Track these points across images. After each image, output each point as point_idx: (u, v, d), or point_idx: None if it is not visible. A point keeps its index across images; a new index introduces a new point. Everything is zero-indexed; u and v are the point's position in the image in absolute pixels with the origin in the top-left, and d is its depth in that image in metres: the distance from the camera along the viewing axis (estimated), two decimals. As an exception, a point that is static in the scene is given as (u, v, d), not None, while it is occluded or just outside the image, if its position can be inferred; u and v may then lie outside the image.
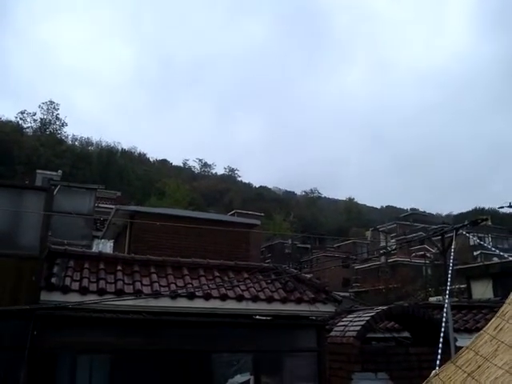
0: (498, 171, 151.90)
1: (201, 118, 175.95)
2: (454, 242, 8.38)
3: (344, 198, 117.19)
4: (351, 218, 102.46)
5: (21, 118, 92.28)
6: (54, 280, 9.06)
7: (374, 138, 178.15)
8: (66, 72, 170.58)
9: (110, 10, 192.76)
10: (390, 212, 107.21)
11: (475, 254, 52.10)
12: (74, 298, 9.01)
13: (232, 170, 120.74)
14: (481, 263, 26.49)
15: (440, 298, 19.96)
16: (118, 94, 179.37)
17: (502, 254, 7.61)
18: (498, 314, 3.39)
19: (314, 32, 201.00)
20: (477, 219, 12.97)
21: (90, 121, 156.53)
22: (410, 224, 73.29)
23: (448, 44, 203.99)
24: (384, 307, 11.54)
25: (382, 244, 60.09)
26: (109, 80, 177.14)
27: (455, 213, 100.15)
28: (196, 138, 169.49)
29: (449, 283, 6.64)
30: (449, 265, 6.64)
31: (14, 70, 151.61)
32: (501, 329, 3.13)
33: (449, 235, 14.57)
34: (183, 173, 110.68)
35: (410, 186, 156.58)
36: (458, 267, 21.12)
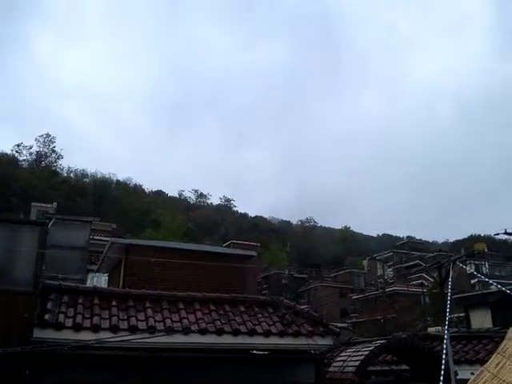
0: (497, 198, 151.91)
1: (196, 148, 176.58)
2: (451, 275, 8.34)
3: (340, 227, 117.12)
4: (347, 247, 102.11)
5: (17, 151, 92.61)
6: (47, 316, 8.92)
7: (371, 166, 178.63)
8: (65, 97, 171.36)
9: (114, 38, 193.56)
10: (387, 240, 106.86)
11: (473, 281, 51.84)
12: (67, 335, 8.85)
13: (228, 201, 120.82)
14: (479, 292, 26.32)
15: (439, 328, 19.73)
16: (116, 125, 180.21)
17: (496, 284, 7.56)
18: (498, 351, 3.35)
19: (330, 54, 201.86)
20: (473, 251, 12.99)
21: (86, 151, 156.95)
22: (407, 252, 72.99)
23: (464, 62, 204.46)
24: (382, 340, 11.39)
25: (379, 273, 59.83)
26: (107, 108, 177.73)
27: (451, 240, 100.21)
28: (192, 168, 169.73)
29: (448, 317, 6.58)
30: (447, 297, 6.59)
31: (15, 97, 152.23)
32: (502, 367, 3.08)
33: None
34: (179, 203, 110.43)
35: (406, 214, 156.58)
36: (456, 296, 20.97)
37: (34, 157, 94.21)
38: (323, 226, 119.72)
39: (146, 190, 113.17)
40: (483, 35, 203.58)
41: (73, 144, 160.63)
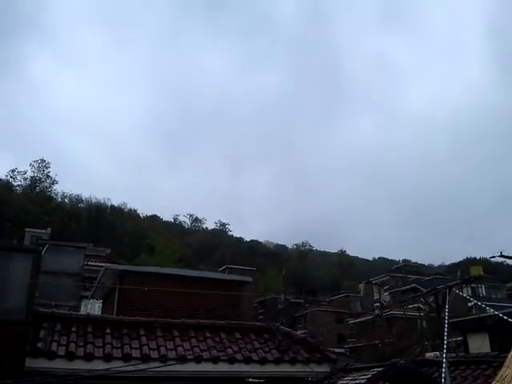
0: (492, 221, 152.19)
1: (192, 172, 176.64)
2: (447, 301, 8.30)
3: (336, 251, 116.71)
4: (343, 271, 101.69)
5: (11, 177, 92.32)
6: (39, 345, 8.79)
7: (368, 189, 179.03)
8: (61, 122, 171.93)
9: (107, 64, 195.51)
10: (383, 263, 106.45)
11: (470, 304, 51.54)
12: (60, 365, 8.70)
13: (223, 225, 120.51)
14: (476, 315, 26.14)
15: (437, 353, 19.51)
16: (112, 150, 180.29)
17: (492, 310, 7.51)
18: (497, 379, 3.31)
19: (328, 82, 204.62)
20: (469, 277, 12.96)
21: (81, 176, 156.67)
22: (403, 276, 72.74)
23: (461, 92, 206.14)
24: (380, 368, 11.24)
25: (376, 297, 59.45)
26: (102, 133, 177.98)
27: (447, 263, 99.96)
28: (187, 192, 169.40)
29: (445, 343, 6.52)
30: (444, 323, 6.55)
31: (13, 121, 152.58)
32: (501, 395, 3.05)
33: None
34: (174, 228, 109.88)
35: (401, 237, 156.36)
36: (453, 320, 20.81)
37: (28, 182, 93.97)
38: (319, 249, 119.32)
39: (141, 215, 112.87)
40: (479, 65, 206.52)
41: (68, 169, 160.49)
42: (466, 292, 42.30)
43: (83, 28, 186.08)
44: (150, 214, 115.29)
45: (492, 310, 7.97)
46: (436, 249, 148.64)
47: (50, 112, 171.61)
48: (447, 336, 7.21)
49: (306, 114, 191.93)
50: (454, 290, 8.86)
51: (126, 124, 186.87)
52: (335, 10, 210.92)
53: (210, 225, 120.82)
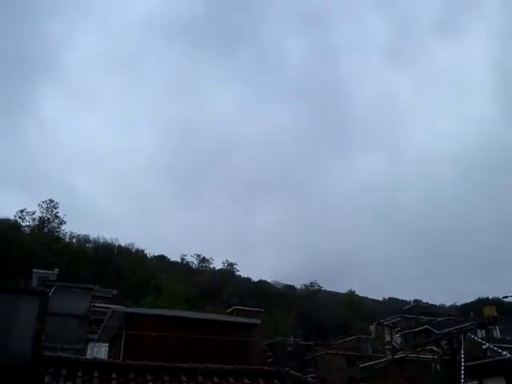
0: (503, 260, 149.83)
1: (199, 212, 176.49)
2: (462, 347, 8.06)
3: (345, 291, 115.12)
4: (353, 312, 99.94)
5: (20, 217, 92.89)
6: (44, 391, 8.58)
7: (377, 228, 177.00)
8: (70, 161, 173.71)
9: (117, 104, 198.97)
10: (393, 304, 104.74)
11: (484, 347, 50.20)
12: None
13: (230, 265, 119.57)
14: (491, 358, 25.46)
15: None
16: (120, 190, 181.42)
17: (505, 353, 7.29)
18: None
19: (336, 120, 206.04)
20: (484, 321, 12.64)
21: (88, 216, 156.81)
22: (415, 317, 71.23)
23: (470, 129, 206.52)
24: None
25: (387, 339, 58.09)
26: (112, 173, 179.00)
27: (459, 303, 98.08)
28: (194, 232, 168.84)
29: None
30: (460, 368, 6.33)
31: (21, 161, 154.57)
32: None
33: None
34: (181, 268, 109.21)
35: (412, 277, 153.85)
36: (468, 364, 20.21)
37: (36, 222, 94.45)
38: (328, 290, 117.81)
39: (149, 255, 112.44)
40: (487, 101, 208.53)
41: (77, 209, 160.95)
42: (479, 334, 41.35)
43: (97, 70, 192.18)
44: (157, 254, 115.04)
45: (507, 354, 7.74)
46: (447, 288, 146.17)
47: (60, 152, 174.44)
48: (463, 382, 6.97)
49: (315, 153, 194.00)
50: (469, 334, 8.63)
51: (136, 164, 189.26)
52: (342, 50, 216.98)
53: (217, 265, 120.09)
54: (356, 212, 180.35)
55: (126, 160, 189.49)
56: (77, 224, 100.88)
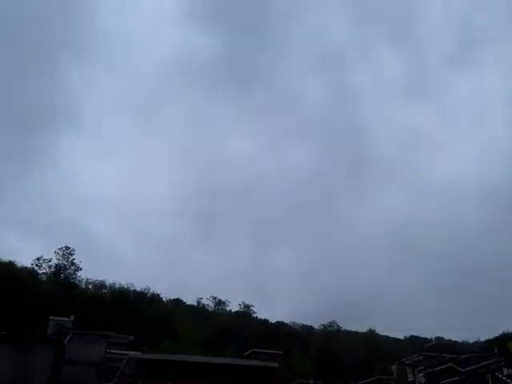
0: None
1: (216, 252, 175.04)
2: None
3: (365, 330, 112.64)
4: (374, 351, 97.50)
5: (36, 265, 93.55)
6: None
7: (396, 266, 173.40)
8: (86, 206, 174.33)
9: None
10: (414, 342, 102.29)
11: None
12: None
13: (247, 307, 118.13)
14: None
15: None
16: (137, 232, 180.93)
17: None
18: None
19: (354, 155, 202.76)
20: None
21: (105, 260, 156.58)
22: (437, 355, 69.40)
23: (494, 160, 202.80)
24: None
25: (410, 379, 56.53)
26: (127, 216, 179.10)
27: (483, 339, 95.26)
28: (210, 273, 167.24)
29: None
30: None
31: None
32: None
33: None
34: (197, 311, 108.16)
35: (434, 313, 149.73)
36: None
37: (53, 270, 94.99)
38: (347, 329, 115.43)
39: (164, 299, 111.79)
40: (509, 129, 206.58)
41: (92, 253, 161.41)
42: (505, 371, 40.05)
43: (116, 116, 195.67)
44: (173, 297, 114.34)
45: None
46: (470, 324, 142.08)
47: (78, 198, 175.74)
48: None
49: (335, 190, 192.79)
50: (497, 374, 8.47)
51: (153, 207, 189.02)
52: (360, 87, 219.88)
53: (233, 307, 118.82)
54: (376, 248, 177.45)
55: (144, 204, 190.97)
56: (93, 269, 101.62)
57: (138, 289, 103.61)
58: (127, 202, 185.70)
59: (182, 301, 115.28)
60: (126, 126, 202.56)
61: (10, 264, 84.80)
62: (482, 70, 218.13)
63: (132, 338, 48.40)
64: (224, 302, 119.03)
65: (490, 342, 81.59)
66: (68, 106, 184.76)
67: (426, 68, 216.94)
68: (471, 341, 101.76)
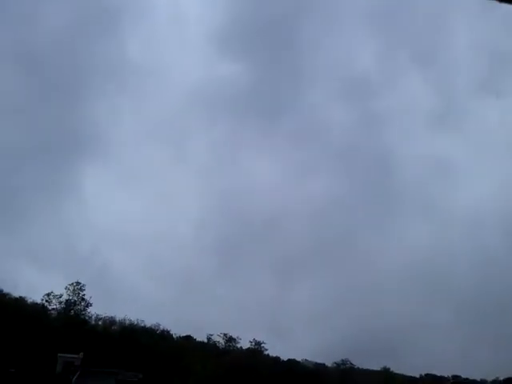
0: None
1: (231, 288, 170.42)
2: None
3: (379, 368, 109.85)
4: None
5: (47, 300, 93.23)
6: None
7: (415, 298, 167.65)
8: (105, 239, 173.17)
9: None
10: (430, 380, 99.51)
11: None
12: None
13: (258, 344, 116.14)
14: None
15: None
16: (147, 268, 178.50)
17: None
18: None
19: (380, 183, 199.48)
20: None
21: (115, 296, 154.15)
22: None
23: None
24: None
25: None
26: (140, 251, 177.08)
27: (502, 377, 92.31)
28: (224, 309, 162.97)
29: None
30: None
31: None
32: None
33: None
34: (208, 348, 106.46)
35: (450, 350, 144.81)
36: None
37: (63, 305, 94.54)
38: (360, 367, 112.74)
39: (174, 336, 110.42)
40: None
41: (104, 288, 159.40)
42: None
43: (140, 145, 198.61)
44: (183, 334, 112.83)
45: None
46: (488, 361, 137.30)
47: (96, 229, 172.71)
48: None
49: (358, 220, 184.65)
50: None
51: (171, 238, 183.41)
52: (387, 112, 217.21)
53: (244, 344, 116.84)
54: (395, 283, 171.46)
55: (162, 235, 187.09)
56: (104, 304, 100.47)
57: (148, 325, 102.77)
58: (146, 234, 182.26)
59: (192, 337, 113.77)
60: (151, 155, 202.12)
61: (21, 300, 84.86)
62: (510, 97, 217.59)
63: (141, 375, 47.55)
64: (235, 339, 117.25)
65: (509, 381, 79.24)
66: (94, 136, 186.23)
67: (453, 94, 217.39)
68: (490, 379, 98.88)
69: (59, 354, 45.78)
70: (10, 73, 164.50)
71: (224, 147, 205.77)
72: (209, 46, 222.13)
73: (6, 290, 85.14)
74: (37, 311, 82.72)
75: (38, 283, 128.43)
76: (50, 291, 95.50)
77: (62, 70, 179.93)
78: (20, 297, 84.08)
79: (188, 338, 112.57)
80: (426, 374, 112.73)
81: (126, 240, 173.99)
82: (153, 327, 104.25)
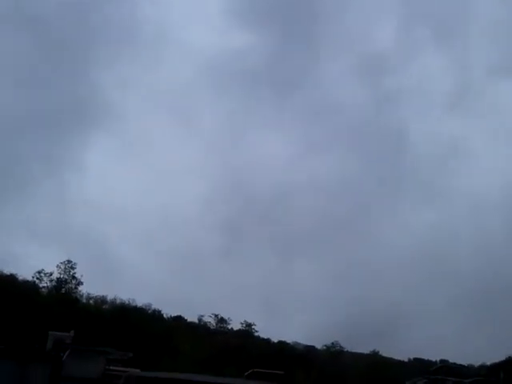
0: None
1: (228, 268, 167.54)
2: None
3: (368, 352, 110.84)
4: (377, 374, 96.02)
5: (37, 278, 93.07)
6: None
7: (411, 284, 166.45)
8: (101, 216, 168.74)
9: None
10: (419, 365, 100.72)
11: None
12: None
13: (249, 325, 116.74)
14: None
15: None
16: (148, 245, 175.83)
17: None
18: None
19: (392, 164, 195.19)
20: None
21: (108, 273, 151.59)
22: (442, 378, 68.21)
23: None
24: None
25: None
26: (141, 228, 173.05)
27: (489, 363, 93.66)
28: (218, 290, 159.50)
29: None
30: None
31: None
32: None
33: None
34: (198, 329, 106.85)
35: (438, 335, 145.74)
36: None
37: (54, 283, 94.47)
38: (350, 350, 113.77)
39: (165, 316, 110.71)
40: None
41: (97, 266, 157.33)
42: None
43: (148, 116, 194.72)
44: (174, 314, 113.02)
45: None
46: (476, 347, 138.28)
47: (94, 204, 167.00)
48: None
49: (366, 200, 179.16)
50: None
51: (170, 215, 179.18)
52: (402, 91, 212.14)
53: (235, 325, 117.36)
54: (394, 267, 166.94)
55: (161, 212, 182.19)
56: (95, 283, 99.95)
57: (139, 304, 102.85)
58: (145, 210, 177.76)
59: (183, 318, 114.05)
60: (159, 127, 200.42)
61: (12, 277, 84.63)
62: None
63: (131, 354, 47.52)
64: (226, 320, 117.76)
65: (495, 366, 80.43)
66: (101, 105, 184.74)
67: (470, 76, 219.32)
68: (477, 364, 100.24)
69: (50, 332, 45.55)
70: (16, 35, 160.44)
71: (234, 121, 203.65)
72: (224, 14, 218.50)
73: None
74: (28, 288, 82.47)
75: (30, 259, 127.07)
76: (41, 269, 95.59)
77: (71, 34, 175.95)
78: (11, 274, 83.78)
79: (179, 318, 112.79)
80: (415, 358, 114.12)
81: (123, 217, 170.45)
82: (144, 307, 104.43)
